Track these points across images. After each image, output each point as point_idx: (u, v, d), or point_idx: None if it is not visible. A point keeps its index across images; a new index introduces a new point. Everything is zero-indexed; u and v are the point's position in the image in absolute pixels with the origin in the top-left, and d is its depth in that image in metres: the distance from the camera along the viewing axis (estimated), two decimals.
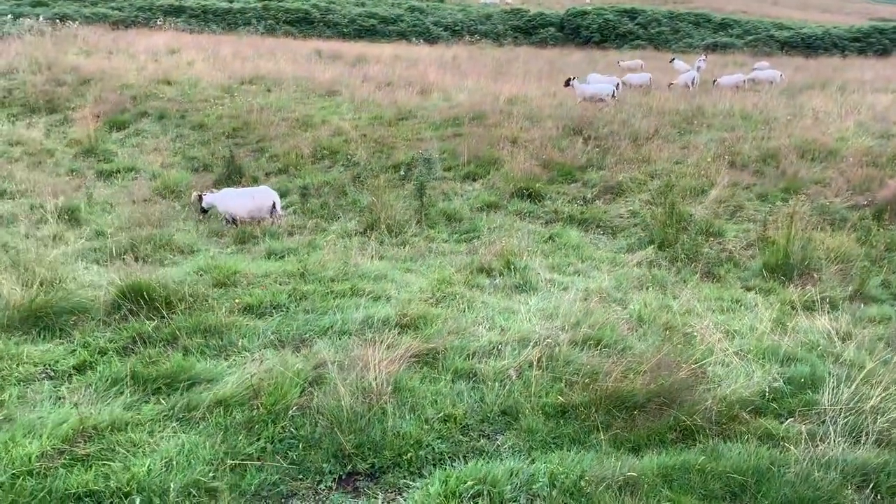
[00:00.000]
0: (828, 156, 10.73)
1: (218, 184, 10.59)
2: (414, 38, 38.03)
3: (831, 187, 9.35)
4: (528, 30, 41.19)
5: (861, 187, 9.19)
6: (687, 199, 9.33)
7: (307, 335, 4.72)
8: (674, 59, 26.57)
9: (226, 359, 4.37)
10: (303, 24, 37.33)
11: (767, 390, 4.05)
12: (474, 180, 10.86)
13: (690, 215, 8.39)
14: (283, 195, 10.72)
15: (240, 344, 4.49)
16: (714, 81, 18.49)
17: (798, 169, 10.08)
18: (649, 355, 4.24)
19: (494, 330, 4.94)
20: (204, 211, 8.59)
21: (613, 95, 15.12)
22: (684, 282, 6.69)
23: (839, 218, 8.48)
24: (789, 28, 39.84)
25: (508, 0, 62.93)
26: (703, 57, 29.95)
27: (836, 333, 5.07)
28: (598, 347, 4.57)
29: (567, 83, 15.98)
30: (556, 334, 4.70)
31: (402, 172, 11.06)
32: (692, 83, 17.67)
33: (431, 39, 38.33)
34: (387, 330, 4.64)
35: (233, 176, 11.13)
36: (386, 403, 3.72)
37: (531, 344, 4.52)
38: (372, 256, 7.02)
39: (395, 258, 7.32)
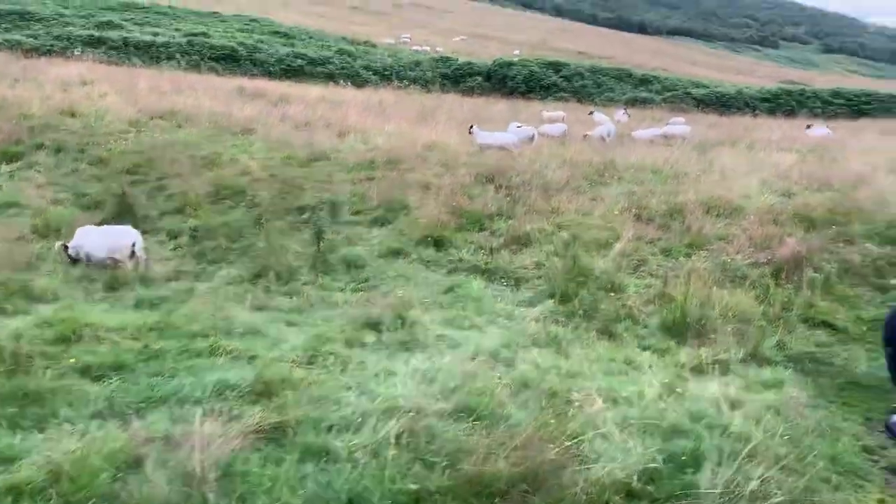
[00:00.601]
0: (732, 212, 10.82)
1: (106, 223, 9.88)
2: (342, 81, 37.91)
3: (734, 244, 9.36)
4: (457, 78, 41.69)
5: (762, 244, 9.23)
6: (592, 252, 9.17)
7: (144, 404, 4.15)
8: (593, 111, 27.18)
9: (41, 432, 3.77)
10: (228, 61, 36.69)
11: (644, 471, 3.73)
12: (382, 226, 10.49)
13: (592, 269, 8.19)
14: (174, 236, 10.09)
15: (62, 414, 3.90)
16: (629, 135, 18.86)
17: (703, 224, 10.10)
18: (522, 429, 3.87)
19: (364, 397, 4.49)
20: (74, 260, 7.88)
21: (516, 145, 15.21)
22: (580, 340, 6.42)
23: (740, 275, 8.44)
24: (705, 86, 41.63)
25: (439, 48, 64.02)
26: (624, 110, 30.86)
27: (726, 400, 4.84)
28: (471, 419, 4.18)
29: (469, 130, 16.20)
30: (429, 403, 4.29)
31: (306, 215, 10.60)
32: (608, 136, 17.93)
33: (360, 83, 38.28)
34: (237, 398, 4.13)
35: (124, 215, 10.43)
36: (209, 493, 3.21)
37: (398, 415, 4.08)
38: (251, 307, 6.49)
39: (279, 309, 6.82)
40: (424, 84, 41.21)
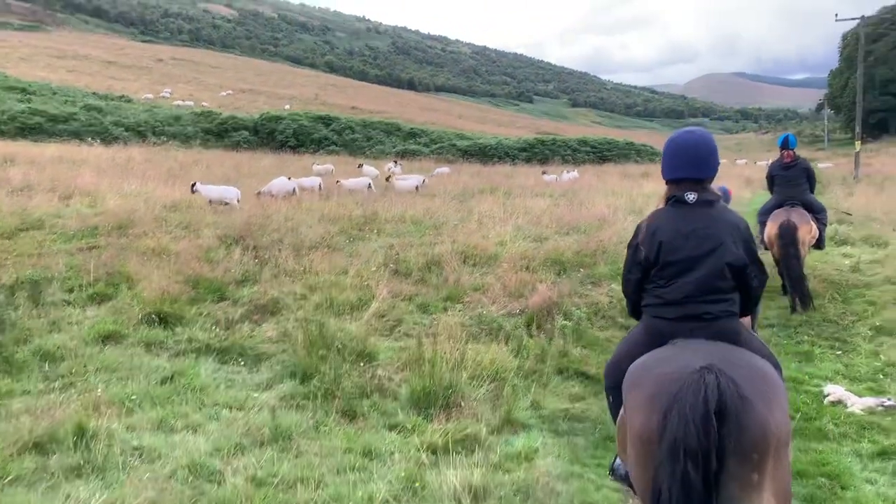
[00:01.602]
0: (489, 260, 10.66)
1: None
2: (90, 139, 34.52)
3: (489, 294, 9.06)
4: (221, 133, 39.81)
5: (516, 293, 9.03)
6: (346, 315, 8.36)
7: None
8: (362, 164, 27.09)
9: None
10: None
11: None
12: (100, 304, 8.82)
13: (341, 336, 7.33)
14: None
15: None
16: (387, 179, 18.84)
17: (460, 275, 9.76)
18: None
19: None
20: None
21: (238, 200, 14.85)
22: (317, 428, 5.47)
23: (496, 327, 8.05)
24: (469, 138, 43.73)
25: (204, 103, 61.38)
26: (395, 162, 31.15)
27: (469, 491, 4.15)
28: None
29: (192, 188, 15.38)
30: None
31: (0, 298, 8.63)
32: (369, 187, 17.63)
33: (110, 140, 35.16)
34: None
35: None
36: None
37: None
38: None
39: None
40: (185, 140, 38.94)
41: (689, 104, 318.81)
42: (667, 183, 3.48)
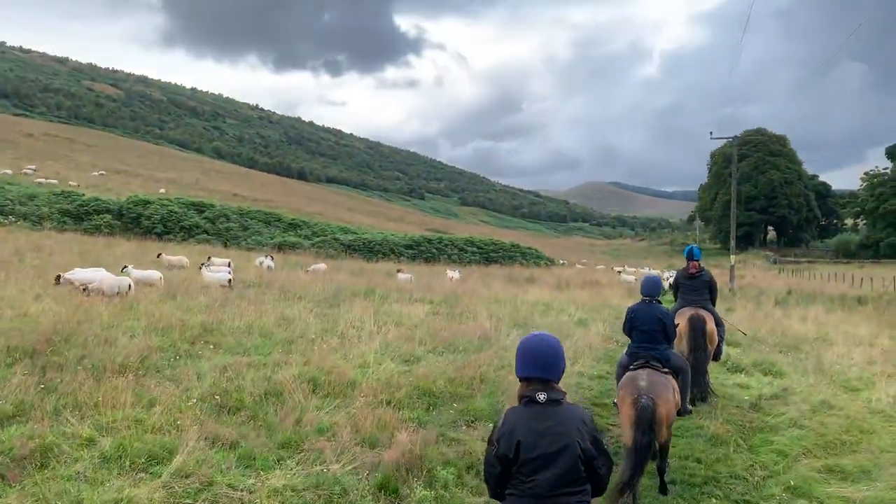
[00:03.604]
0: (345, 389, 8.82)
1: None
2: None
3: (337, 440, 7.17)
4: (80, 215, 36.37)
5: (371, 440, 7.20)
6: (139, 473, 6.21)
7: None
8: (210, 257, 25.08)
9: None
10: None
11: None
12: None
13: None
14: None
15: None
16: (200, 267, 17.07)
17: (305, 412, 7.83)
18: None
19: None
20: None
21: None
22: None
23: (338, 493, 6.15)
24: (354, 232, 42.19)
25: (72, 182, 57.49)
26: (268, 255, 29.14)
27: None
28: None
29: None
30: None
31: None
32: (159, 282, 16.09)
33: None
34: None
35: None
36: None
37: None
38: None
39: None
40: (38, 220, 35.33)
41: (570, 209, 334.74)
42: (520, 380, 3.67)
